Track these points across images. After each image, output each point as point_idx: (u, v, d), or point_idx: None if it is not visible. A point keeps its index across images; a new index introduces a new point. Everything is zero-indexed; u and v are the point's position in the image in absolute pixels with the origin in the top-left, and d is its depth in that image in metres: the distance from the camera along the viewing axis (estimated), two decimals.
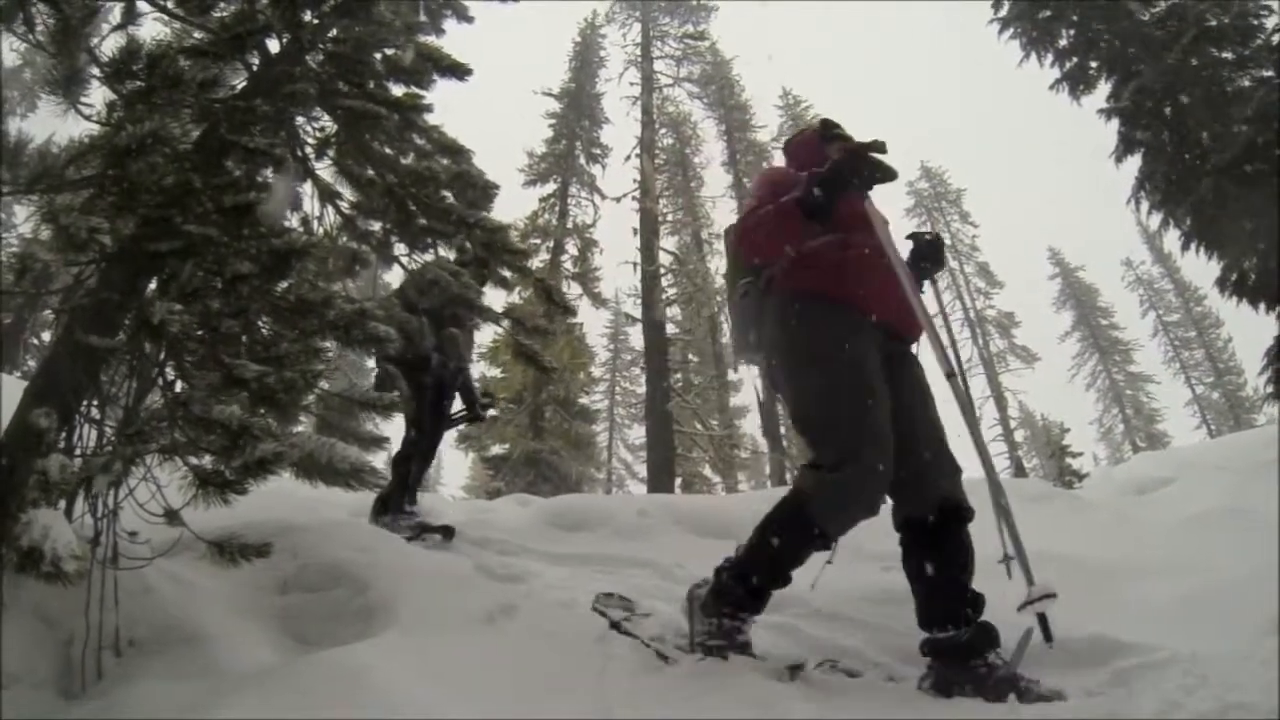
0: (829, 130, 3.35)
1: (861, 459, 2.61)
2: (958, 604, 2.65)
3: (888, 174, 2.93)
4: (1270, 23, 9.72)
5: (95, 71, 2.83)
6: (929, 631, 2.68)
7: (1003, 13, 12.68)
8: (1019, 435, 29.81)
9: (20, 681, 2.26)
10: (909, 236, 3.30)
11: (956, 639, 2.60)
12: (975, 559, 2.73)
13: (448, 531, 5.22)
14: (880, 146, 2.89)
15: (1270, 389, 9.45)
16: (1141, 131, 10.21)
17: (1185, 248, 10.24)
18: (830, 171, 2.83)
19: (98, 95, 2.85)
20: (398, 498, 5.44)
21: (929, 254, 3.29)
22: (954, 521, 2.72)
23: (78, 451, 2.67)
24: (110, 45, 2.82)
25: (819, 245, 2.93)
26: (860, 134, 3.13)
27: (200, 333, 2.74)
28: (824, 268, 2.93)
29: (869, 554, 4.34)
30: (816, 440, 2.82)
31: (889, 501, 2.80)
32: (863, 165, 2.88)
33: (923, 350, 3.15)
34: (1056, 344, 36.32)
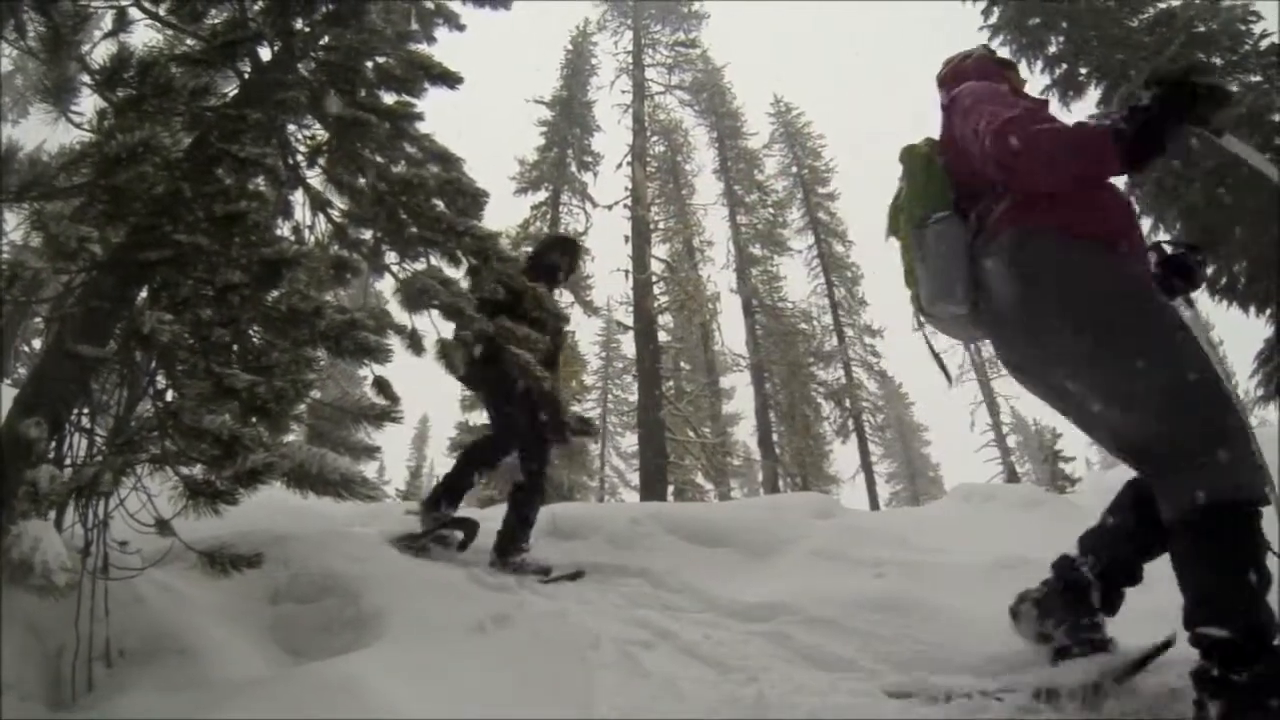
0: (994, 56, 2.93)
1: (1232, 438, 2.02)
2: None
3: (1225, 97, 2.23)
4: (1258, 28, 9.80)
5: (86, 79, 2.83)
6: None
7: (993, 19, 12.77)
8: (1011, 441, 29.85)
9: (10, 692, 2.24)
10: (1151, 248, 2.65)
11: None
12: None
13: (469, 527, 5.06)
14: (1208, 68, 2.20)
15: (1261, 391, 9.50)
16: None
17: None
18: (1167, 108, 2.16)
19: (88, 103, 2.85)
20: (434, 496, 5.16)
21: (1183, 270, 2.65)
22: None
23: (68, 461, 2.66)
24: (101, 52, 2.82)
25: None
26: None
27: (191, 342, 2.73)
28: (1084, 204, 2.37)
29: (861, 560, 4.35)
30: (1165, 416, 2.10)
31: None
32: (1211, 98, 2.18)
33: None
34: None
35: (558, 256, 5.79)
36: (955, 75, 2.91)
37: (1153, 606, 3.12)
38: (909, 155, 2.81)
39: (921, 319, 2.88)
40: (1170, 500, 2.10)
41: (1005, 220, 2.45)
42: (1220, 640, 1.96)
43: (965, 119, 2.56)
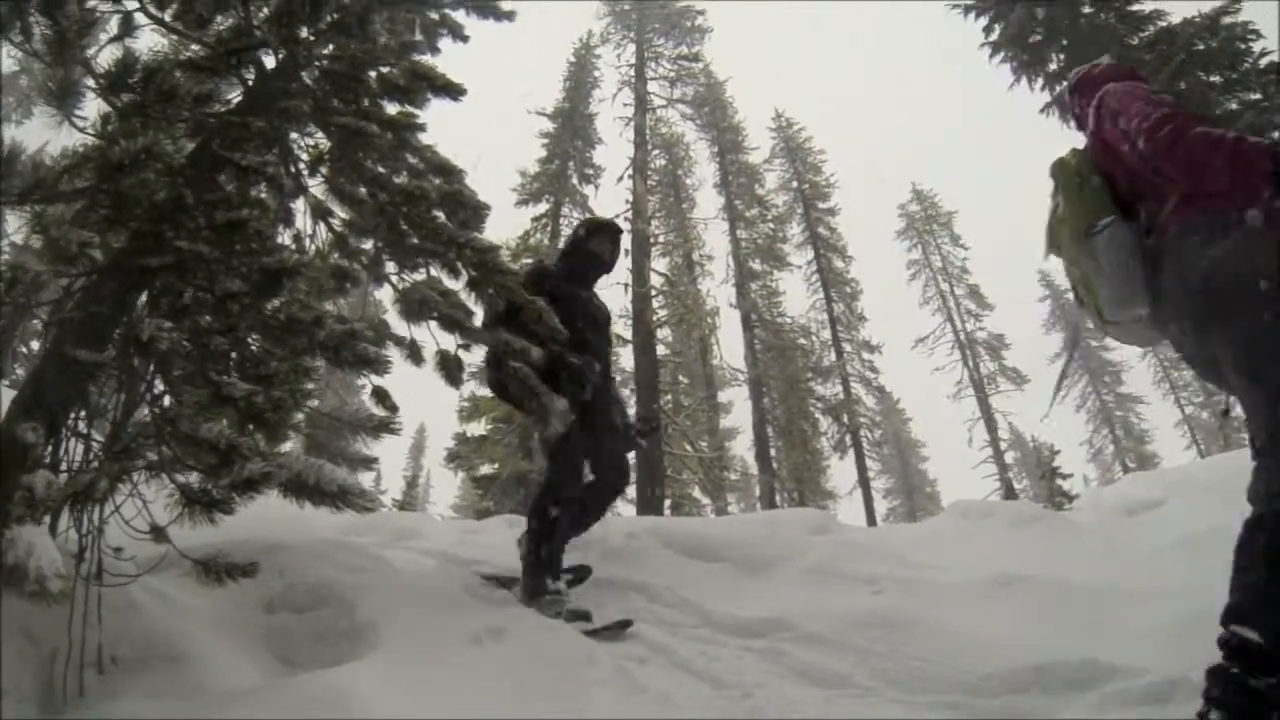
0: (1120, 64, 2.95)
1: None
2: None
3: None
4: (1258, 46, 9.85)
5: (90, 83, 2.83)
6: None
7: (994, 37, 12.84)
8: (1009, 457, 29.84)
9: (4, 696, 2.23)
10: None
11: None
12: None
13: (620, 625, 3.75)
14: None
15: None
16: None
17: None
18: None
19: (92, 107, 2.85)
20: (535, 574, 4.08)
21: None
22: None
23: (64, 466, 2.65)
24: (106, 57, 2.83)
25: None
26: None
27: (190, 349, 2.73)
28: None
29: (858, 577, 4.33)
30: None
31: None
32: None
33: None
34: (1046, 365, 36.61)
35: (601, 242, 4.88)
36: (1088, 81, 2.97)
37: (1143, 631, 3.12)
38: (1060, 169, 2.82)
39: (1105, 329, 2.85)
40: (1259, 487, 2.14)
41: (1176, 215, 2.45)
42: (1249, 643, 1.96)
43: (1114, 120, 2.61)
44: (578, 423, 4.15)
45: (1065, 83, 3.15)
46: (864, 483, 24.10)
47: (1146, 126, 2.44)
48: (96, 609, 2.46)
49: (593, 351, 4.43)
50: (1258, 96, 9.69)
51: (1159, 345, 2.69)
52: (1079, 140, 2.95)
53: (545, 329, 3.91)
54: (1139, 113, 2.50)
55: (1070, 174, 2.77)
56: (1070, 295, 2.89)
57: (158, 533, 2.61)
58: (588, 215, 22.38)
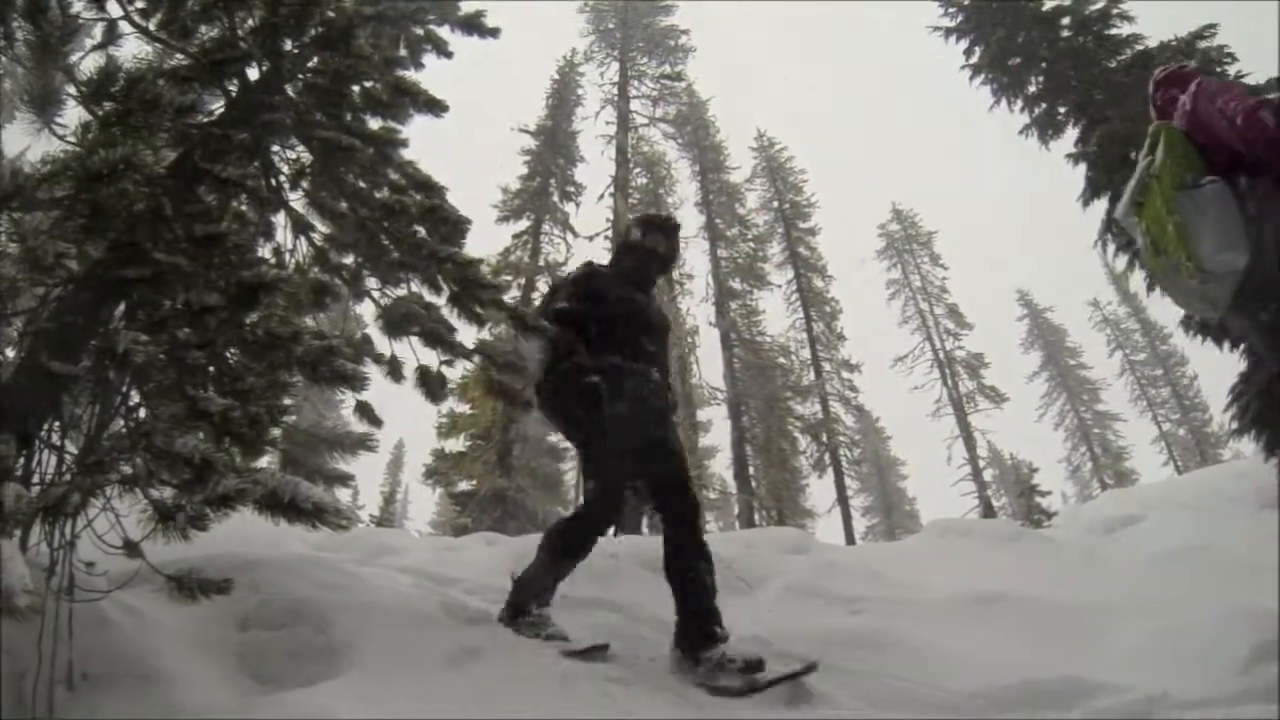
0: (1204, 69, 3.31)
1: None
2: None
3: None
4: (1233, 69, 10.01)
5: (72, 90, 2.81)
6: None
7: (974, 59, 13.00)
8: (988, 475, 30.07)
9: None
10: None
11: None
12: None
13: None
14: None
15: (1235, 425, 9.59)
16: (1108, 175, 10.41)
17: (1151, 288, 10.43)
18: None
19: (72, 115, 2.83)
20: (520, 593, 3.80)
21: None
22: None
23: (35, 478, 2.61)
24: (89, 64, 2.81)
25: None
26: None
27: (166, 362, 2.69)
28: None
29: (837, 597, 4.33)
30: None
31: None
32: None
33: None
34: (1025, 384, 36.93)
35: (655, 237, 4.34)
36: (1176, 78, 3.31)
37: (1122, 647, 3.12)
38: (1168, 130, 3.06)
39: (1173, 288, 3.10)
40: None
41: (1266, 186, 2.76)
42: None
43: (1212, 100, 2.94)
44: (616, 440, 3.76)
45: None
46: (843, 501, 24.14)
47: (1245, 107, 2.78)
48: (67, 625, 2.41)
49: (648, 358, 4.01)
50: None
51: (1214, 312, 2.96)
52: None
53: (557, 337, 3.76)
54: (1239, 95, 2.86)
55: (1175, 135, 3.02)
56: (1142, 248, 3.14)
57: (131, 548, 2.57)
58: (568, 233, 22.52)
